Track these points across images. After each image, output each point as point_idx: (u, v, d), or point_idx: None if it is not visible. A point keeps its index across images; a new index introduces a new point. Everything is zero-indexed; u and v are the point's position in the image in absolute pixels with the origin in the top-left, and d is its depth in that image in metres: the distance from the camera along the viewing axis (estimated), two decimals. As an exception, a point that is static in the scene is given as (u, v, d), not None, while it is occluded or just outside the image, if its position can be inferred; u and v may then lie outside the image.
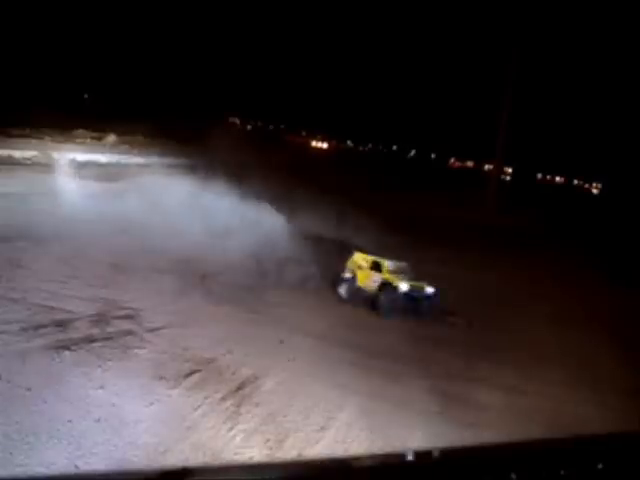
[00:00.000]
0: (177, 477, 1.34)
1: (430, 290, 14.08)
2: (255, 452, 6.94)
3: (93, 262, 13.60)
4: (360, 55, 60.91)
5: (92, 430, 6.79)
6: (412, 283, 14.11)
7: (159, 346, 9.59)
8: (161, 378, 8.42)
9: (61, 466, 5.98)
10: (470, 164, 76.52)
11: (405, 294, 13.89)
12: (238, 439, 7.18)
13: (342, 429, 7.89)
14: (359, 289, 14.74)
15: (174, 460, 6.39)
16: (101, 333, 9.74)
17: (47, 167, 23.37)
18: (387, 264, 14.84)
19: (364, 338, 11.67)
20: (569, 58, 47.93)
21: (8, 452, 6.11)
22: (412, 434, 7.82)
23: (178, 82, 47.54)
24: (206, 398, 8.06)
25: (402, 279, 14.24)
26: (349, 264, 15.33)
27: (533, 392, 10.07)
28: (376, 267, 14.80)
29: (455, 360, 11.36)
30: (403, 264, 14.96)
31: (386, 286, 14.24)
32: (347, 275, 15.18)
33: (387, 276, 14.46)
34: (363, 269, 15.03)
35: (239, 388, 8.58)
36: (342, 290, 14.88)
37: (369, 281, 14.68)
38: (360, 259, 15.30)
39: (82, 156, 26.48)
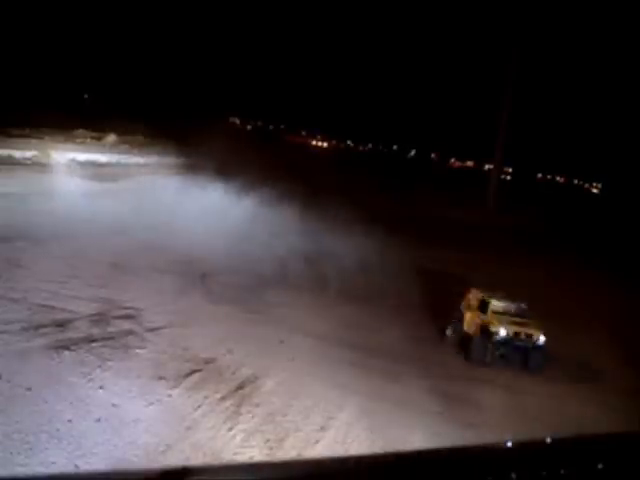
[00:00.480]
0: (177, 477, 1.34)
1: (542, 339, 11.48)
2: (255, 452, 6.94)
3: (93, 262, 13.58)
4: (360, 55, 60.97)
5: (92, 430, 6.78)
6: (518, 329, 11.64)
7: (159, 346, 9.58)
8: (161, 378, 8.41)
9: (61, 466, 5.98)
10: (470, 164, 76.54)
11: (504, 341, 11.50)
12: (238, 439, 7.17)
13: (342, 429, 7.88)
14: (465, 333, 12.38)
15: (174, 460, 6.38)
16: (101, 333, 9.73)
17: (47, 167, 23.37)
18: (494, 303, 12.29)
19: (364, 338, 11.68)
20: (569, 58, 47.95)
21: (8, 452, 6.11)
22: (412, 434, 7.83)
23: (178, 82, 47.55)
24: (206, 398, 8.06)
25: (506, 323, 11.78)
26: (463, 302, 12.95)
27: (534, 392, 10.08)
28: (482, 306, 12.34)
29: (455, 359, 11.37)
30: (518, 305, 12.35)
31: (483, 330, 11.84)
32: (457, 315, 12.89)
33: (488, 318, 12.03)
34: (472, 309, 12.60)
35: (239, 388, 8.57)
36: (448, 332, 12.72)
37: (473, 323, 12.30)
38: (473, 297, 12.80)
39: (82, 156, 26.46)
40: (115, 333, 9.79)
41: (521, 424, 8.12)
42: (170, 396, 7.93)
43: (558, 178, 77.31)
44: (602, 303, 15.62)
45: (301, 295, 13.56)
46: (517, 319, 12.11)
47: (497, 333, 11.68)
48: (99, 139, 32.70)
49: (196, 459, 6.46)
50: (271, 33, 56.20)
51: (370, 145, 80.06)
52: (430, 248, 19.81)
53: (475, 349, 11.68)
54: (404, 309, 13.31)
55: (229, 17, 53.96)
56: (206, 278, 13.91)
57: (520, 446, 1.72)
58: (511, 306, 12.42)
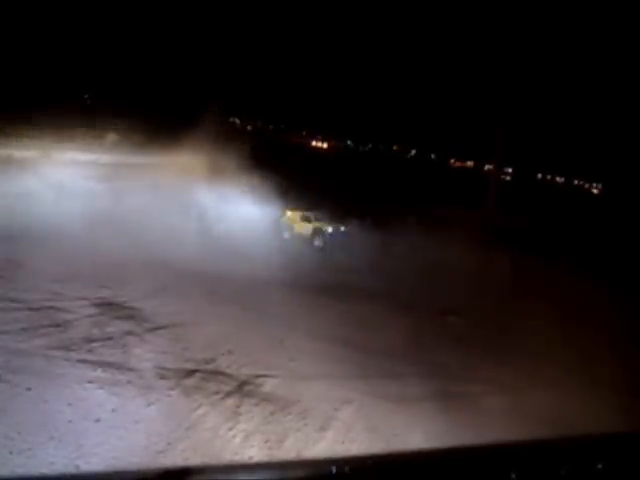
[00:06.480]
0: (177, 477, 1.34)
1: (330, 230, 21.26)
2: (255, 452, 6.95)
3: (93, 262, 13.61)
4: (360, 55, 60.98)
5: (92, 430, 6.79)
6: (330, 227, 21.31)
7: (159, 346, 9.60)
8: (161, 378, 8.42)
9: (61, 466, 5.98)
10: (470, 164, 76.38)
11: (330, 234, 21.06)
12: (238, 439, 7.17)
13: (342, 429, 7.88)
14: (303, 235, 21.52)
15: (174, 460, 6.39)
16: (101, 333, 9.75)
17: (47, 167, 23.39)
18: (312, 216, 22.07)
19: (365, 336, 11.68)
20: (569, 58, 47.97)
21: (8, 452, 6.11)
22: (412, 434, 7.82)
23: (178, 82, 47.60)
24: (206, 398, 8.06)
25: (328, 225, 21.35)
26: (284, 219, 22.43)
27: (533, 392, 10.08)
28: (306, 219, 22.21)
29: (456, 359, 11.37)
30: (321, 214, 22.11)
31: (317, 231, 21.46)
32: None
33: (316, 224, 21.80)
34: (297, 222, 22.13)
35: (239, 388, 8.58)
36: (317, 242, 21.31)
37: (305, 229, 21.87)
38: (293, 215, 22.53)
39: (83, 156, 26.48)
40: (115, 333, 9.81)
41: (521, 424, 8.12)
42: (170, 396, 7.93)
43: (558, 178, 77.23)
44: (601, 304, 15.61)
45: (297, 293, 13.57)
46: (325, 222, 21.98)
47: (327, 230, 21.57)
48: (99, 139, 32.72)
49: (196, 459, 6.47)
50: (271, 32, 56.27)
51: (370, 145, 79.92)
52: (426, 248, 19.80)
53: (325, 241, 20.97)
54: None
55: (229, 16, 54.04)
56: (205, 277, 13.97)
57: (520, 446, 1.72)
58: (319, 215, 22.37)
